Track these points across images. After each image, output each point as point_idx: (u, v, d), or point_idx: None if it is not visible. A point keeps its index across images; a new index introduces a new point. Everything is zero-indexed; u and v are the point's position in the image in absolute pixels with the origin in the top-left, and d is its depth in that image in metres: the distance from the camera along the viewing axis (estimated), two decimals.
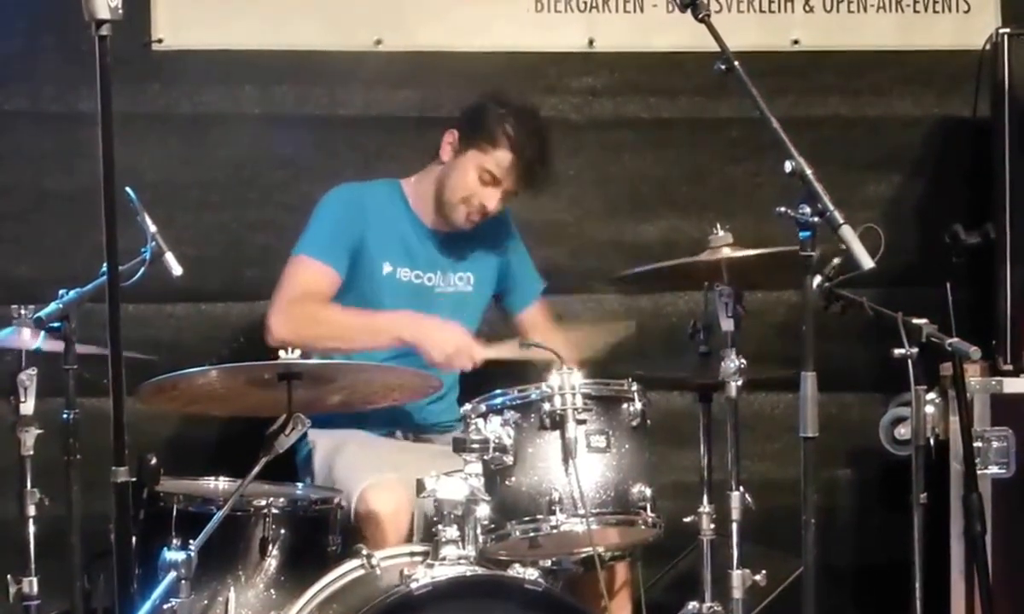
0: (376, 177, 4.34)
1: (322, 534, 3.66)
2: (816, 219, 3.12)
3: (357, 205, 4.19)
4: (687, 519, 3.78)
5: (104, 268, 2.87)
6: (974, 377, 4.24)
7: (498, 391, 3.58)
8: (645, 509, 3.51)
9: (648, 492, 3.50)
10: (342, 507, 3.74)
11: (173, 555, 3.36)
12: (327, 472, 4.00)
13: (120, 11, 2.63)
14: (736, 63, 3.30)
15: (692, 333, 3.87)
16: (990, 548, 4.05)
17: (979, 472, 4.12)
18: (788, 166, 3.16)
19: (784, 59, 4.77)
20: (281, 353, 3.44)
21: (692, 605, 3.77)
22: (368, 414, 4.04)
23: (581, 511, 3.41)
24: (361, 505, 3.79)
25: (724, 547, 3.71)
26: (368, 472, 3.86)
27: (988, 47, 4.53)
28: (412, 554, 3.57)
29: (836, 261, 3.64)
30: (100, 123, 2.62)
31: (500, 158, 4.13)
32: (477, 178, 4.14)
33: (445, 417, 4.13)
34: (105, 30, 2.60)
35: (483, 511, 3.44)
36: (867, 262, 3.12)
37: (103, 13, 2.60)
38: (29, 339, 3.64)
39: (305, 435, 3.92)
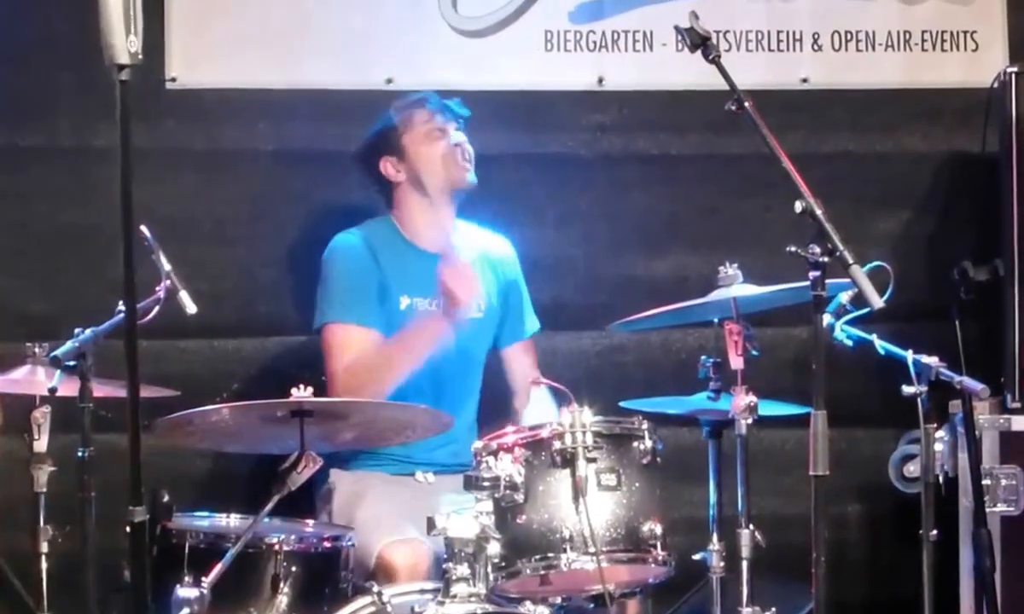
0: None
1: (333, 571, 3.67)
2: (826, 258, 3.16)
3: (366, 251, 4.23)
4: (697, 556, 3.79)
5: (120, 307, 2.90)
6: (983, 414, 4.25)
7: (509, 428, 3.60)
8: (656, 547, 3.51)
9: (659, 530, 3.51)
10: (353, 545, 3.74)
11: (186, 592, 3.39)
12: (347, 519, 4.00)
13: (140, 56, 2.66)
14: (747, 103, 3.34)
15: (702, 369, 3.88)
16: (999, 584, 4.06)
17: (988, 509, 4.13)
18: (799, 206, 3.20)
19: (793, 97, 4.79)
20: (293, 391, 3.46)
21: None
22: (389, 454, 4.07)
23: (592, 549, 3.42)
24: (380, 561, 3.81)
25: (734, 584, 3.72)
26: (388, 527, 3.88)
27: (996, 85, 4.55)
28: (423, 591, 3.58)
29: (846, 298, 3.65)
30: (121, 165, 2.65)
31: (421, 116, 4.28)
32: (432, 141, 4.25)
33: (464, 458, 4.12)
34: (125, 75, 2.64)
35: (494, 549, 3.44)
36: (877, 302, 3.15)
37: (123, 58, 2.64)
38: (44, 378, 3.67)
39: (326, 470, 3.96)
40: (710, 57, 3.42)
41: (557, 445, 3.49)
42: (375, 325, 4.15)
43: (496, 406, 4.38)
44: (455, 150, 4.26)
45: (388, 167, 4.30)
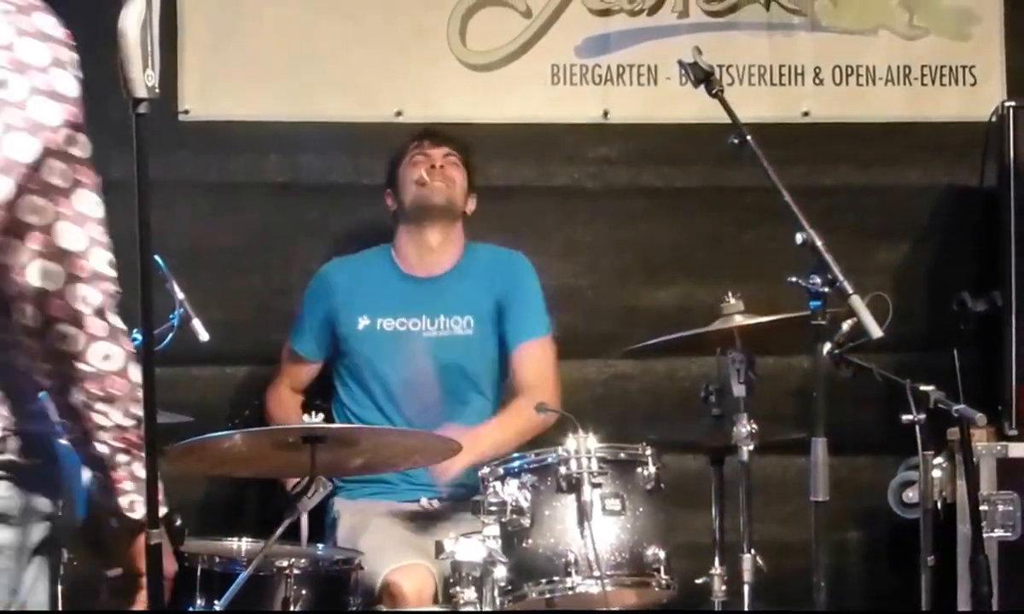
0: None
1: (343, 594, 3.72)
2: (826, 289, 3.21)
3: (322, 283, 4.41)
4: (699, 580, 3.83)
5: (135, 334, 2.95)
6: (980, 442, 4.29)
7: (515, 454, 3.66)
8: (659, 571, 3.55)
9: (662, 554, 3.55)
10: (362, 568, 3.79)
11: None
12: (351, 547, 4.04)
13: (157, 90, 2.71)
14: (748, 137, 3.40)
15: (705, 397, 3.93)
16: (997, 609, 4.09)
17: (986, 535, 4.16)
18: (799, 237, 3.25)
19: (795, 130, 4.83)
20: (305, 417, 3.52)
21: None
22: (392, 482, 4.14)
23: (597, 573, 3.46)
24: (385, 590, 3.85)
25: (736, 608, 3.77)
26: (393, 553, 3.92)
27: (994, 119, 4.60)
28: None
29: (846, 328, 3.70)
30: (138, 196, 2.70)
31: (411, 144, 4.39)
32: (414, 167, 4.35)
33: (469, 480, 4.18)
34: (143, 108, 2.69)
35: (500, 572, 3.48)
36: (876, 332, 3.20)
37: (141, 92, 2.69)
38: None
39: (333, 497, 4.02)
40: (713, 92, 3.49)
41: (563, 470, 3.54)
42: (306, 352, 4.40)
43: None
44: (431, 172, 4.33)
45: (388, 199, 4.42)
